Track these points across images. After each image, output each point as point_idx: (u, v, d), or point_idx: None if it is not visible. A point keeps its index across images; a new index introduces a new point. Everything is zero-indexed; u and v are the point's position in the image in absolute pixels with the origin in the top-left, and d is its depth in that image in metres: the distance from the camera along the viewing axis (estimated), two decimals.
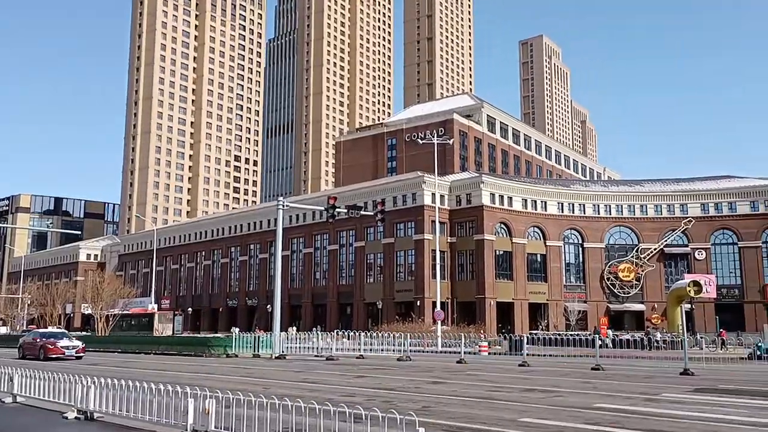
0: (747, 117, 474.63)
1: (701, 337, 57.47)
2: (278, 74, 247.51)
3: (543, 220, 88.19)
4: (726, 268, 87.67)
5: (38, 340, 39.60)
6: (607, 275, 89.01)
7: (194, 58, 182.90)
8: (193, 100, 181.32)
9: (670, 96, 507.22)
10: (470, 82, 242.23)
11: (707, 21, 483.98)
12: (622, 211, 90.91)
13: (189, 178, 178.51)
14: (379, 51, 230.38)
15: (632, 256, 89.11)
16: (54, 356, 37.65)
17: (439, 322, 56.24)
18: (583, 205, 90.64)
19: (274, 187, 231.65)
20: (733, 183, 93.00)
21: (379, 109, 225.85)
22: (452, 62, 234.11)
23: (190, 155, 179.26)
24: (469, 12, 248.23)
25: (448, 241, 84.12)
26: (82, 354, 39.39)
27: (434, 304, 63.65)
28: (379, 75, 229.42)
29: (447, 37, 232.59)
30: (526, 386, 21.68)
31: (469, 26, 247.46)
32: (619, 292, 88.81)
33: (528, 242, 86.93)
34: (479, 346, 47.36)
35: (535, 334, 64.58)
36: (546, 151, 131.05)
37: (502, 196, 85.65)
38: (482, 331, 64.64)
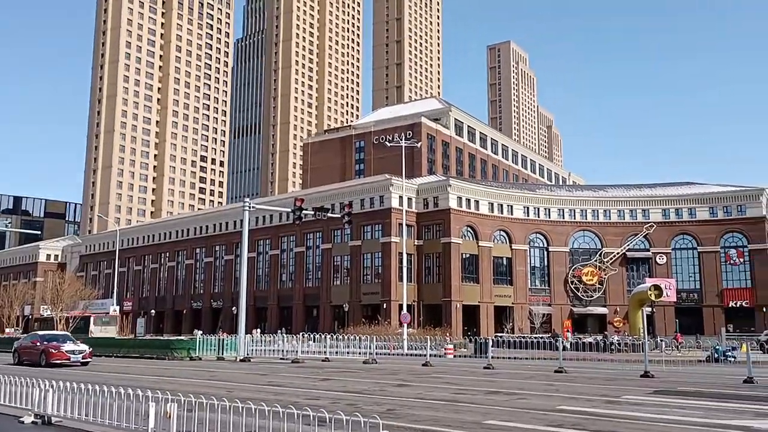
0: (719, 120, 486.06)
1: (661, 340, 58.71)
2: (246, 74, 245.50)
3: (509, 224, 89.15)
4: (686, 273, 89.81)
5: (38, 343, 35.30)
6: (571, 279, 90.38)
7: (160, 56, 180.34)
8: (158, 99, 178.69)
9: (635, 100, 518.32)
10: (438, 85, 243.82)
11: (681, 24, 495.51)
12: (586, 216, 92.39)
13: (153, 178, 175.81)
14: (347, 53, 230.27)
15: (595, 260, 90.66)
16: (57, 362, 33.56)
17: (406, 325, 56.34)
18: (549, 209, 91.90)
19: (240, 188, 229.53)
20: (693, 189, 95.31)
21: (347, 111, 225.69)
22: (421, 65, 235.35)
23: (155, 155, 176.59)
24: (438, 16, 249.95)
25: (415, 243, 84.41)
26: (89, 359, 35.06)
27: (401, 306, 63.77)
28: (347, 77, 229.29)
29: (416, 40, 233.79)
30: (491, 389, 21.84)
31: (438, 30, 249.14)
32: (582, 295, 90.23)
33: (494, 246, 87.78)
34: (445, 349, 47.63)
35: (500, 336, 65.25)
36: (512, 155, 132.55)
37: (468, 200, 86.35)
38: (448, 334, 64.97)
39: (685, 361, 40.06)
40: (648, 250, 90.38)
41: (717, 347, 42.76)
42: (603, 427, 13.41)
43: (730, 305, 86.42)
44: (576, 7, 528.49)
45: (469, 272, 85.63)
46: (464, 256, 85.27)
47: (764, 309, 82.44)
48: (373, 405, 16.79)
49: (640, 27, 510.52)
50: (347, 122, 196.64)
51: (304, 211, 42.05)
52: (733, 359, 40.07)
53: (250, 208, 44.56)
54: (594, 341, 54.52)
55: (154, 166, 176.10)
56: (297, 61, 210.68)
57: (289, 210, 44.23)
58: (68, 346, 34.77)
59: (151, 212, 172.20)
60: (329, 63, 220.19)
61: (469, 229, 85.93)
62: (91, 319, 73.58)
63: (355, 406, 16.30)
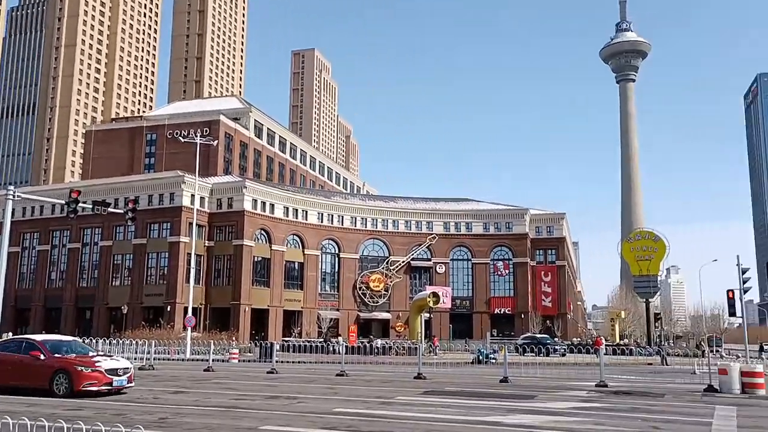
0: (515, 142, 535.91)
1: (433, 345, 63.04)
2: (21, 48, 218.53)
3: (303, 229, 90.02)
4: (461, 282, 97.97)
5: (41, 356, 20.32)
6: (359, 285, 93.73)
7: None
8: None
9: (430, 117, 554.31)
10: (240, 85, 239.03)
11: (491, 41, 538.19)
12: (376, 225, 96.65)
13: None
14: (143, 39, 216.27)
15: (383, 268, 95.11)
16: (93, 389, 19.64)
17: (190, 329, 54.12)
18: (342, 216, 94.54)
19: (7, 174, 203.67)
20: (471, 205, 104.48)
21: (140, 101, 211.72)
22: (223, 62, 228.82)
23: None
24: (244, 14, 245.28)
25: (206, 245, 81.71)
26: (132, 384, 21.37)
27: (186, 309, 61.13)
28: (142, 65, 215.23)
29: (219, 35, 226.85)
30: (272, 393, 21.79)
31: (243, 29, 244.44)
32: (369, 301, 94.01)
33: (287, 250, 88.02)
34: (230, 354, 46.70)
35: (287, 341, 65.36)
36: (311, 161, 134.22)
37: (264, 203, 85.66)
38: (234, 338, 63.76)
39: (454, 363, 43.50)
40: (430, 260, 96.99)
41: (481, 350, 47.05)
42: (376, 428, 14.01)
43: (495, 312, 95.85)
44: (381, 23, 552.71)
45: (260, 276, 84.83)
46: (256, 259, 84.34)
47: (522, 315, 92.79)
48: (143, 414, 15.81)
49: (445, 48, 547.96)
50: (139, 112, 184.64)
51: (81, 205, 38.45)
52: (494, 361, 44.42)
53: (14, 196, 39.64)
54: (373, 345, 56.98)
55: None
56: (83, 41, 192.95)
57: (63, 202, 40.18)
58: (107, 362, 20.77)
59: None
60: (121, 47, 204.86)
61: (262, 232, 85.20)
62: None
63: (124, 416, 15.21)
